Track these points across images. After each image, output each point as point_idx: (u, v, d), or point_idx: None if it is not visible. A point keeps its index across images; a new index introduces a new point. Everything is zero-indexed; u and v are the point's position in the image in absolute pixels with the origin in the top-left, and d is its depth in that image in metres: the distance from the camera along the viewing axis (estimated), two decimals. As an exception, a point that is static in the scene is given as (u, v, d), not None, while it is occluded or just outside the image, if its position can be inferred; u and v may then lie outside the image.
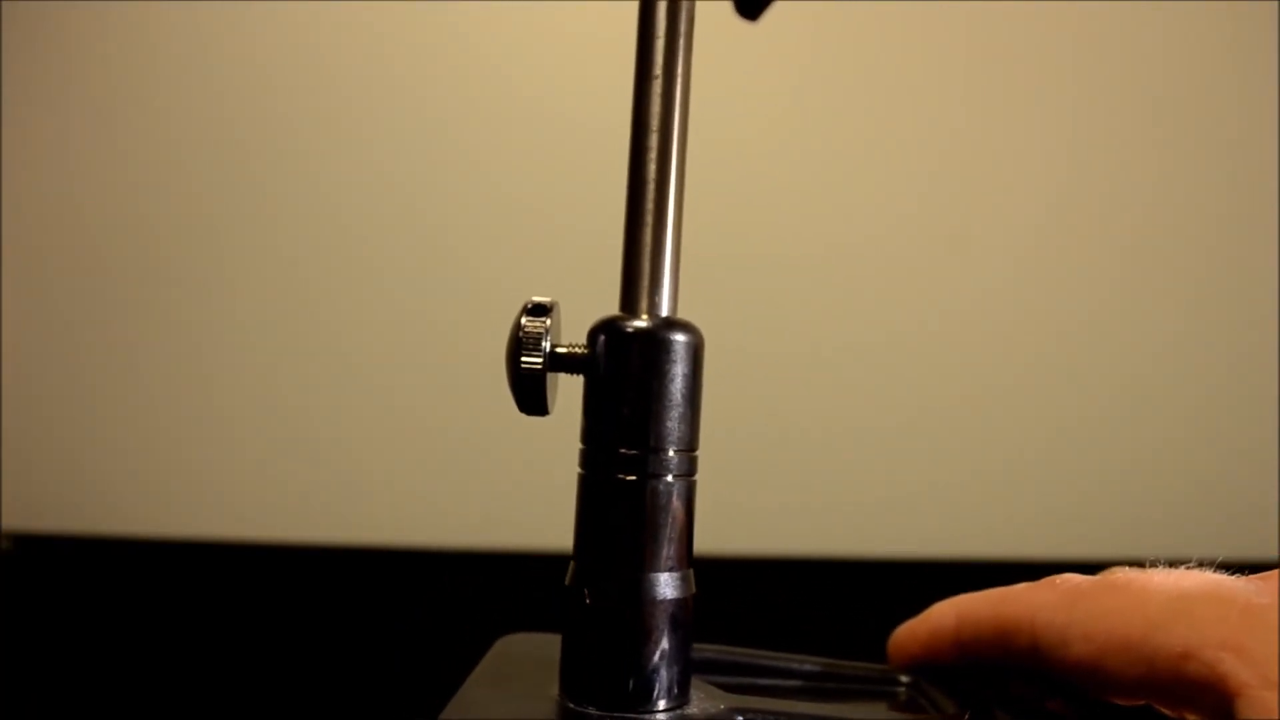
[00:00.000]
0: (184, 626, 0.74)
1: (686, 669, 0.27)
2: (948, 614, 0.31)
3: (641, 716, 0.26)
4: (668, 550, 0.27)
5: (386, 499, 0.77)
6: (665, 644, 0.26)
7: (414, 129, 0.77)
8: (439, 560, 0.76)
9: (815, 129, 0.80)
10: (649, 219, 0.27)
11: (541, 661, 0.29)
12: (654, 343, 0.27)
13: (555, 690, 0.27)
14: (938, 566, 0.79)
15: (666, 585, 0.27)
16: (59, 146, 0.76)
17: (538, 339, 0.27)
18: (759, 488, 0.79)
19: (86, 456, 0.76)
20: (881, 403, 0.80)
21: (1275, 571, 0.26)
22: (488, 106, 0.78)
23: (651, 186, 0.27)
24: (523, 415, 0.27)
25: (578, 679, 0.27)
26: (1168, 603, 0.26)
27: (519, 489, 0.75)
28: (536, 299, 0.27)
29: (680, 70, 0.27)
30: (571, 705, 0.26)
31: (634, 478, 0.26)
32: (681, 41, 0.26)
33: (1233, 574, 0.30)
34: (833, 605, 0.78)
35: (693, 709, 0.27)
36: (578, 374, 0.27)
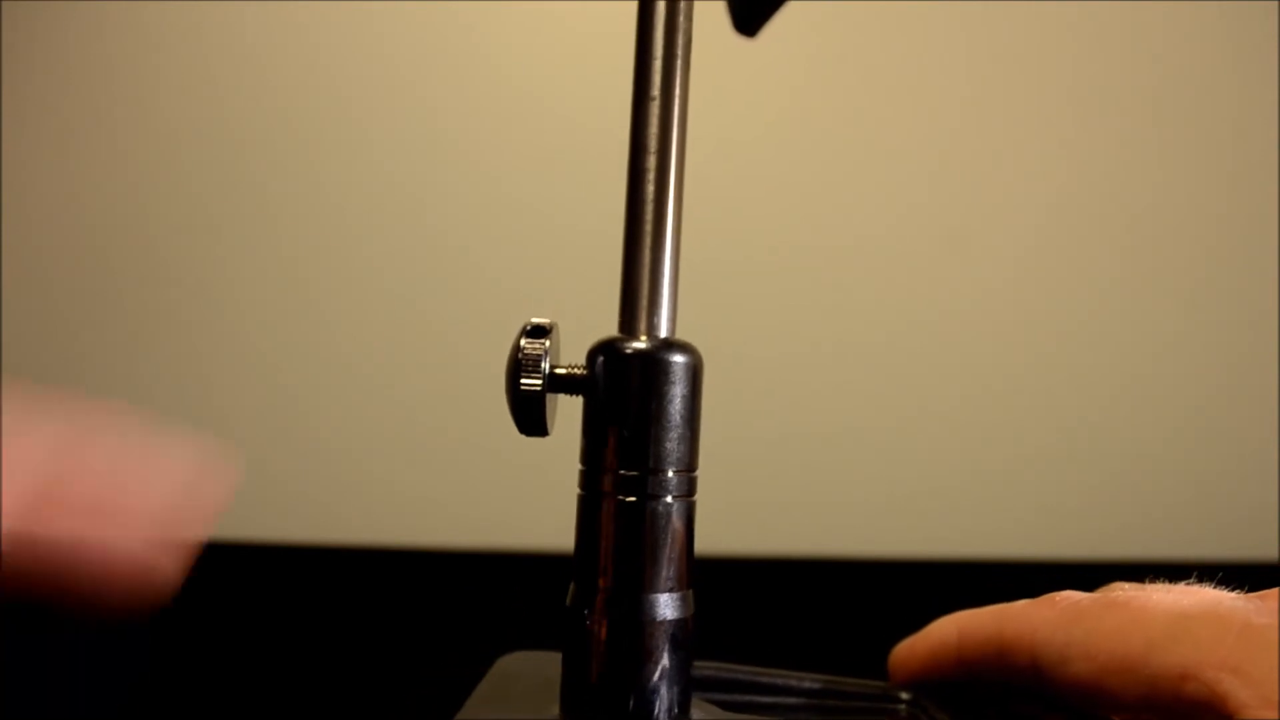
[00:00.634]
0: (184, 626, 0.74)
1: (687, 689, 0.27)
2: (948, 630, 0.31)
3: (642, 737, 0.26)
4: (667, 571, 0.27)
5: (387, 499, 0.77)
6: (665, 665, 0.26)
7: (417, 129, 0.77)
8: (439, 560, 0.76)
9: (815, 129, 0.80)
10: (647, 240, 0.27)
11: (542, 681, 0.29)
12: (653, 364, 0.27)
13: (556, 710, 0.27)
14: (938, 566, 0.79)
15: (666, 606, 0.27)
16: (59, 146, 0.76)
17: (537, 360, 0.27)
18: (759, 488, 0.79)
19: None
20: (881, 403, 0.80)
21: (1275, 590, 0.26)
22: (495, 109, 0.78)
23: (650, 207, 0.27)
24: None
25: (578, 699, 0.27)
26: (1168, 622, 0.26)
27: (519, 489, 0.75)
28: (535, 320, 0.27)
29: (678, 91, 0.27)
30: None
31: (634, 499, 0.26)
32: (679, 63, 0.26)
33: (1232, 588, 0.30)
34: (833, 605, 0.78)
35: None
36: (577, 395, 0.27)
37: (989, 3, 0.81)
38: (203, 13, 0.76)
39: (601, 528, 0.27)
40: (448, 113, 0.78)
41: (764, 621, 0.76)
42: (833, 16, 0.79)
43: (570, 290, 0.72)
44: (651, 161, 0.27)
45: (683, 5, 0.26)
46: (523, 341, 0.27)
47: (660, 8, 0.26)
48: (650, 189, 0.27)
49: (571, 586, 0.27)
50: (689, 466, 0.27)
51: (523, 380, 0.26)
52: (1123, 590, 0.29)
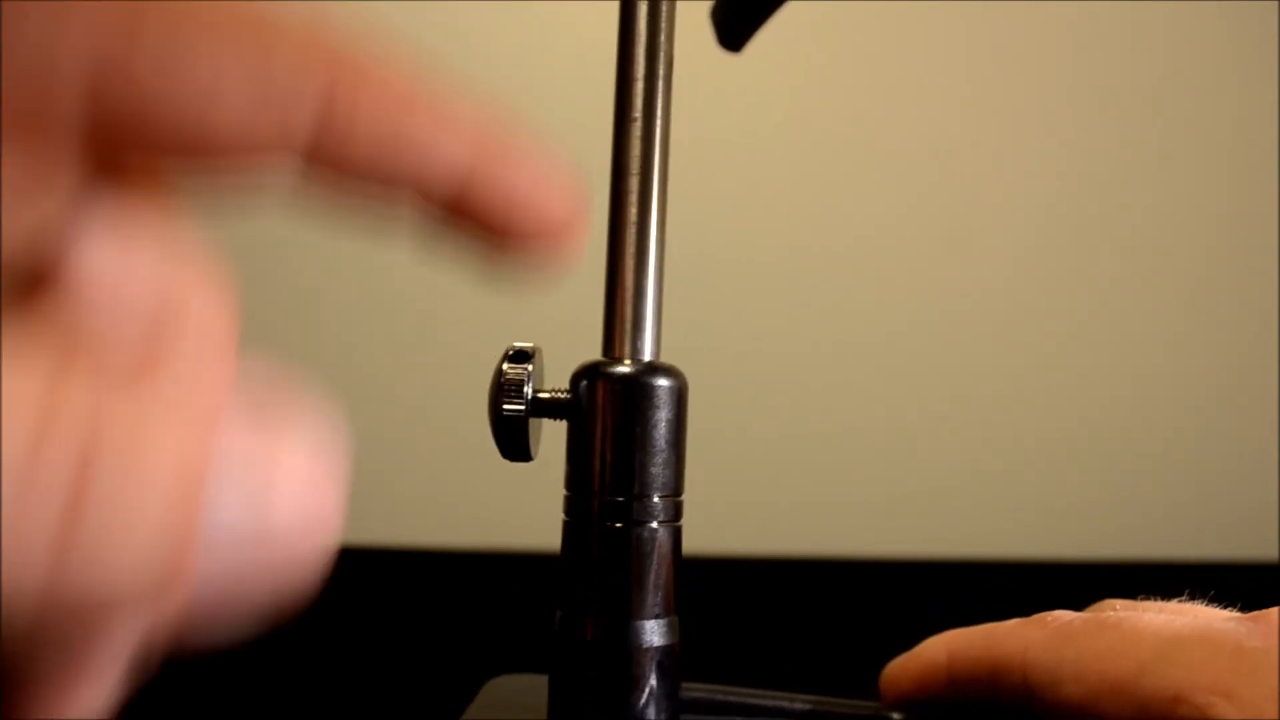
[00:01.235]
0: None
1: (675, 714, 0.27)
2: (939, 650, 0.30)
3: (629, 764, 0.26)
4: (654, 598, 0.26)
5: (387, 499, 0.77)
6: (653, 691, 0.26)
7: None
8: (439, 560, 0.76)
9: (815, 128, 0.80)
10: (630, 263, 0.26)
11: (530, 706, 0.29)
12: (636, 388, 0.26)
13: (543, 735, 0.27)
14: (938, 566, 0.78)
15: (653, 633, 0.26)
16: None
17: (519, 385, 0.26)
18: (759, 488, 0.79)
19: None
20: (882, 403, 0.80)
21: (1267, 611, 0.26)
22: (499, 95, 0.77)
23: (633, 230, 0.26)
24: None
25: (565, 725, 0.27)
26: (1159, 645, 0.25)
27: (520, 489, 0.74)
28: (518, 345, 0.27)
29: (660, 112, 0.26)
30: None
31: (619, 525, 0.26)
32: (660, 84, 0.26)
33: (1225, 604, 0.30)
34: (832, 605, 0.78)
35: None
36: (561, 419, 0.27)
37: (989, 3, 0.80)
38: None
39: (587, 554, 0.26)
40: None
41: (764, 622, 0.76)
42: (831, 17, 0.79)
43: (574, 287, 0.72)
44: (634, 184, 0.26)
45: (664, 26, 0.26)
46: (505, 366, 0.26)
47: (641, 29, 0.26)
48: (633, 211, 0.26)
49: (558, 612, 0.27)
50: (675, 491, 0.27)
51: (505, 405, 0.26)
52: (1114, 610, 0.28)
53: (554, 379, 0.28)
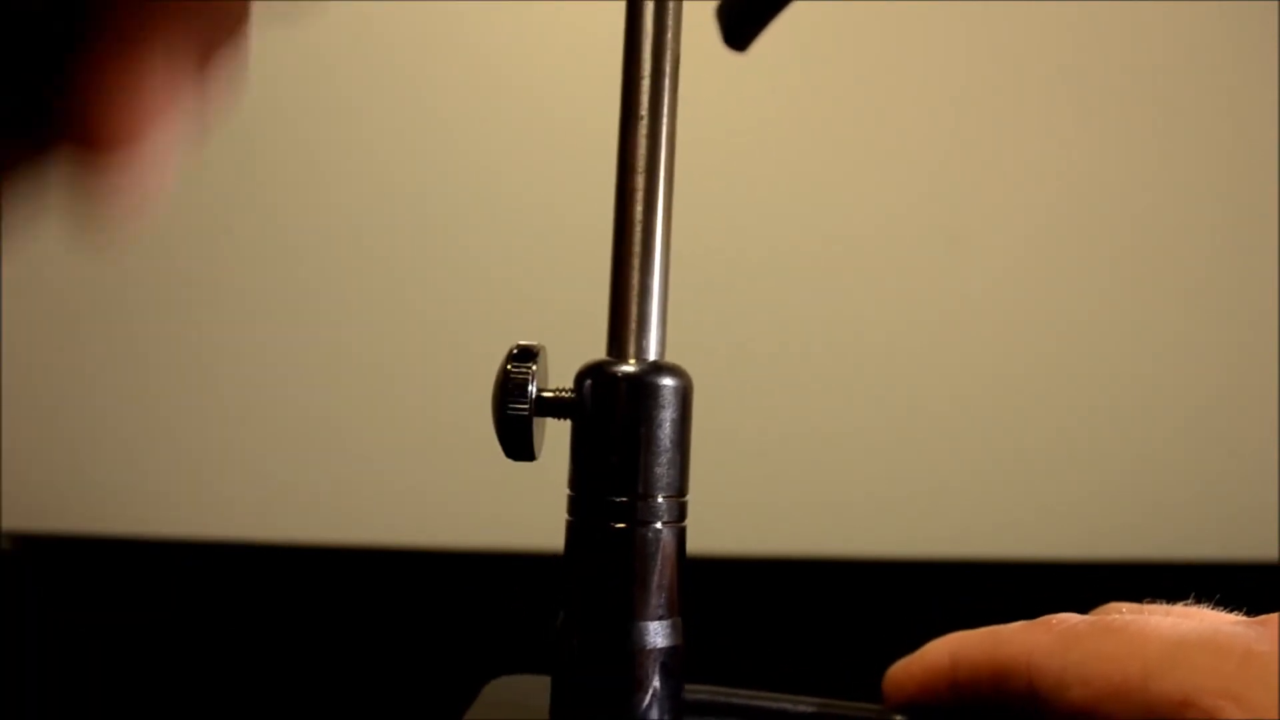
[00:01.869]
0: (184, 627, 0.74)
1: (678, 715, 0.27)
2: (943, 653, 0.30)
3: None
4: (658, 599, 0.26)
5: (387, 499, 0.76)
6: (656, 692, 0.26)
7: (420, 129, 0.77)
8: (439, 560, 0.76)
9: (822, 127, 0.79)
10: (636, 261, 0.26)
11: (531, 708, 0.28)
12: (641, 388, 0.26)
13: (545, 737, 0.27)
14: (938, 566, 0.78)
15: (657, 634, 0.26)
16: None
17: (523, 384, 0.26)
18: (759, 488, 0.79)
19: (86, 456, 0.75)
20: (881, 403, 0.80)
21: (1274, 615, 0.26)
22: (494, 107, 0.77)
23: (638, 229, 0.26)
24: None
25: (568, 727, 0.27)
26: (1166, 649, 0.25)
27: (519, 489, 0.74)
28: (522, 344, 0.27)
29: (666, 109, 0.26)
30: None
31: (623, 525, 0.26)
32: (667, 81, 0.26)
33: (1231, 608, 0.29)
34: (832, 605, 0.78)
35: None
36: (565, 419, 0.27)
37: (989, 3, 0.80)
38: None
39: (591, 555, 0.26)
40: (453, 111, 0.77)
41: (764, 622, 0.76)
42: (837, 17, 0.78)
43: (574, 285, 0.72)
44: (640, 181, 0.26)
45: (670, 24, 0.26)
46: (509, 365, 0.26)
47: (648, 27, 0.26)
48: (639, 209, 0.26)
49: (560, 613, 0.27)
50: (679, 491, 0.27)
51: (509, 405, 0.26)
52: (1120, 613, 0.28)
53: (558, 378, 0.28)
